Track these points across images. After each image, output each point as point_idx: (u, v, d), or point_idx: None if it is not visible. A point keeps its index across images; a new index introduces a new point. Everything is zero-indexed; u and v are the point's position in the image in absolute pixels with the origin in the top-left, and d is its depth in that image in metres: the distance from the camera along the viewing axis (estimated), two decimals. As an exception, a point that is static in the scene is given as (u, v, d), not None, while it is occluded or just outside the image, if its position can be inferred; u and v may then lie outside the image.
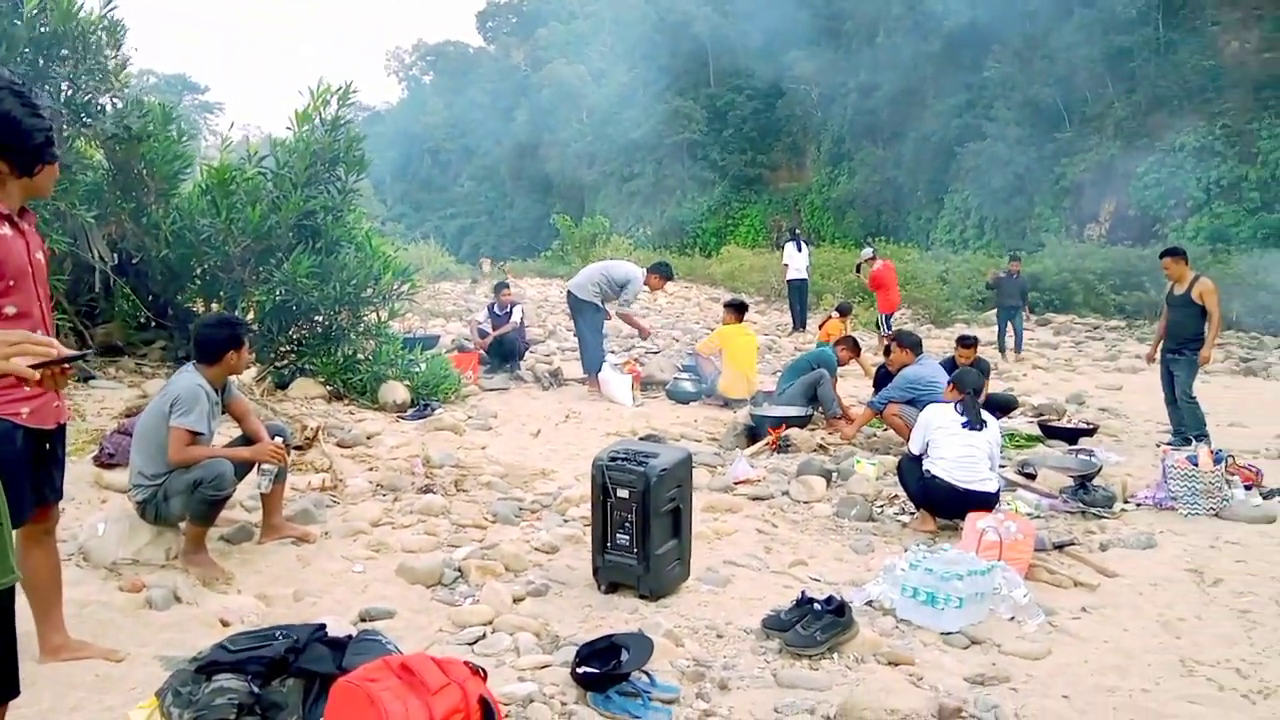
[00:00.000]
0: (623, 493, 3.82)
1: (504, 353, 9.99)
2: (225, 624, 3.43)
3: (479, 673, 2.51)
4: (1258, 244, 19.54)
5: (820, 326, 13.04)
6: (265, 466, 4.08)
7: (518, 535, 4.73)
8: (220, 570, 3.88)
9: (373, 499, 5.15)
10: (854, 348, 8.74)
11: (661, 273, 9.48)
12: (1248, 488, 5.81)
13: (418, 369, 7.84)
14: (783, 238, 24.48)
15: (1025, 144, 26.53)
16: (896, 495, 5.65)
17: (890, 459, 6.37)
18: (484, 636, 3.46)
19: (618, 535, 3.86)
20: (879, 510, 5.53)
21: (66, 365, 2.20)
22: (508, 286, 11.03)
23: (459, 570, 4.12)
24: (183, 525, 3.93)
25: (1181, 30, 24.71)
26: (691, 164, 39.14)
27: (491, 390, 8.98)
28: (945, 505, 5.10)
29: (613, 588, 3.97)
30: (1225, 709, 3.10)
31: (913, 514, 5.36)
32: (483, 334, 10.19)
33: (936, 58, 30.68)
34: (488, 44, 60.93)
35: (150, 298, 7.39)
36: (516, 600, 3.85)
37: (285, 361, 7.57)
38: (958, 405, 5.26)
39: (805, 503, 5.64)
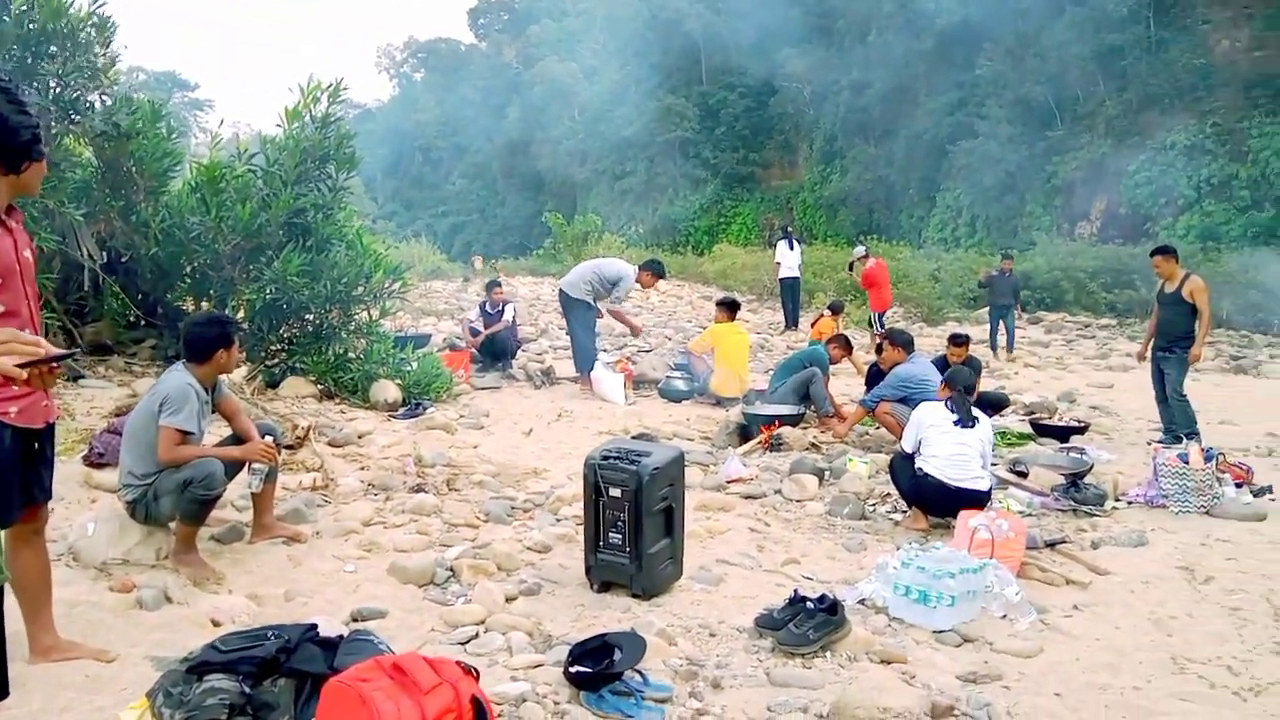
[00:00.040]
0: (615, 492, 3.82)
1: (496, 351, 9.98)
2: (216, 624, 3.41)
3: (471, 672, 2.50)
4: (1248, 242, 19.66)
5: (812, 325, 13.06)
6: (256, 466, 4.06)
7: (510, 534, 4.72)
8: (211, 570, 3.86)
9: (364, 498, 5.13)
10: (846, 346, 8.74)
11: (654, 271, 9.47)
12: (1238, 485, 5.83)
13: (409, 368, 7.82)
14: (775, 236, 24.47)
15: (1017, 142, 26.64)
16: (889, 493, 5.66)
17: (882, 457, 6.38)
18: (476, 636, 3.46)
19: (610, 534, 3.86)
20: (871, 508, 5.54)
21: (55, 364, 2.19)
22: (499, 285, 11.00)
23: (451, 570, 4.10)
24: (173, 525, 3.91)
25: (1172, 29, 24.84)
26: (684, 162, 39.19)
27: (483, 389, 8.96)
28: (937, 503, 5.11)
29: (605, 587, 3.96)
30: (1216, 706, 3.11)
31: (905, 512, 5.37)
32: (474, 332, 10.17)
33: (928, 56, 30.80)
34: (479, 41, 60.93)
35: (140, 296, 7.34)
36: (509, 599, 3.84)
37: (276, 360, 7.54)
38: (949, 403, 5.26)
39: (798, 501, 5.64)
